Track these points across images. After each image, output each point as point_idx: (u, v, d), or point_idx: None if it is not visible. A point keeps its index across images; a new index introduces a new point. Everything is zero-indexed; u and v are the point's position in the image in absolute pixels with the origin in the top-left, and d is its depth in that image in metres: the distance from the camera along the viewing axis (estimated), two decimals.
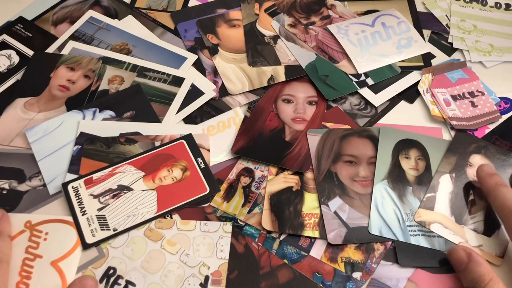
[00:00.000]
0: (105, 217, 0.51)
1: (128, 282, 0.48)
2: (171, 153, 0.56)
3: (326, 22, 0.71)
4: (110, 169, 0.55)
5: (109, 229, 0.51)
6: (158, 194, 0.53)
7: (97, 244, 0.50)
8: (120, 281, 0.48)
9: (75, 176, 0.54)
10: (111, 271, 0.49)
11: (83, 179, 0.54)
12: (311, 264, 0.50)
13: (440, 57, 0.69)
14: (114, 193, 0.53)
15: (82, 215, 0.51)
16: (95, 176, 0.54)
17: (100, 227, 0.51)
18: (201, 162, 0.56)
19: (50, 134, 0.58)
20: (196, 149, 0.57)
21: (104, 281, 0.48)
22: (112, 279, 0.48)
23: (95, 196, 0.53)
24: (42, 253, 0.49)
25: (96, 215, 0.51)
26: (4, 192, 0.54)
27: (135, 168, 0.55)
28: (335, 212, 0.53)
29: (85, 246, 0.50)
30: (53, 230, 0.50)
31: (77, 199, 0.52)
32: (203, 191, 0.54)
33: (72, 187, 0.53)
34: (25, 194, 0.54)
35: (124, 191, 0.53)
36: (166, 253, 0.50)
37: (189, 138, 0.58)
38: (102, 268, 0.49)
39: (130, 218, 0.51)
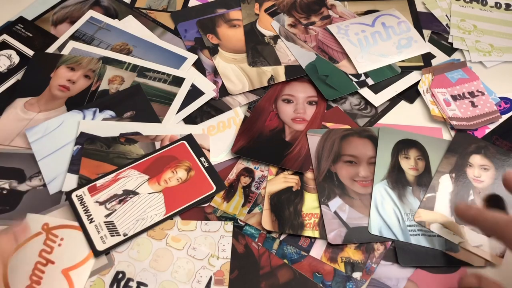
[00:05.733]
0: (113, 223, 0.51)
1: (139, 284, 0.48)
2: (173, 154, 0.56)
3: (326, 22, 0.71)
4: (113, 174, 0.54)
5: (119, 235, 0.50)
6: (165, 196, 0.53)
7: (108, 250, 0.49)
8: (131, 283, 0.48)
9: (75, 176, 0.54)
10: (120, 275, 0.48)
11: (87, 186, 0.53)
12: (311, 264, 0.50)
13: (440, 57, 0.69)
14: (120, 198, 0.53)
15: (90, 222, 0.51)
16: (98, 183, 0.54)
17: (110, 233, 0.50)
18: (204, 161, 0.56)
19: (50, 134, 0.58)
20: (198, 149, 0.57)
21: (115, 286, 0.48)
22: (122, 283, 0.48)
23: (101, 203, 0.52)
24: (55, 259, 0.48)
25: (104, 222, 0.51)
26: (4, 192, 0.54)
27: (138, 172, 0.55)
28: (335, 212, 0.53)
29: (96, 253, 0.49)
30: (68, 236, 0.50)
31: (82, 207, 0.52)
32: (210, 189, 0.54)
33: (76, 196, 0.53)
34: (25, 194, 0.54)
35: (130, 196, 0.53)
36: (173, 250, 0.50)
37: (189, 138, 0.58)
38: (110, 274, 0.49)
39: (139, 222, 0.51)
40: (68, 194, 0.53)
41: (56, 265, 0.48)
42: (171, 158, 0.56)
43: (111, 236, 0.50)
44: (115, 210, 0.52)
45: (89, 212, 0.51)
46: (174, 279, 0.48)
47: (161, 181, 0.54)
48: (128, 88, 0.63)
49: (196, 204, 0.53)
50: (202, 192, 0.54)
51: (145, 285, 0.48)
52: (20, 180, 0.55)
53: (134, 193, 0.53)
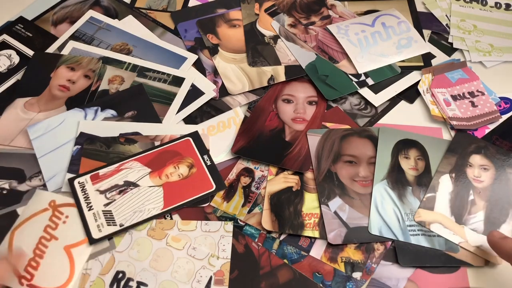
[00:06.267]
0: (111, 213, 0.51)
1: (139, 283, 0.48)
2: (177, 150, 0.57)
3: (326, 22, 0.71)
4: (117, 165, 0.55)
5: (116, 225, 0.51)
6: (165, 190, 0.53)
7: (103, 239, 0.50)
8: (131, 283, 0.48)
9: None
10: (120, 275, 0.49)
11: (90, 174, 0.54)
12: (311, 264, 0.50)
13: (440, 57, 0.69)
14: (121, 189, 0.53)
15: (89, 210, 0.51)
16: (101, 172, 0.54)
17: (107, 222, 0.51)
18: (207, 160, 0.56)
19: (52, 132, 0.58)
20: (202, 147, 0.57)
21: (115, 286, 0.48)
22: (122, 282, 0.48)
23: (101, 192, 0.53)
24: (59, 235, 0.50)
25: (103, 211, 0.52)
26: (4, 192, 0.54)
27: (141, 165, 0.55)
28: (335, 212, 0.53)
29: (92, 241, 0.50)
30: (73, 215, 0.51)
31: (83, 194, 0.52)
32: (209, 188, 0.54)
33: (79, 182, 0.53)
34: (25, 194, 0.54)
35: (131, 187, 0.53)
36: (173, 250, 0.50)
37: (195, 135, 0.58)
38: (110, 273, 0.49)
39: (136, 214, 0.52)
40: (71, 180, 0.53)
41: (59, 241, 0.50)
42: (175, 154, 0.56)
43: (108, 225, 0.51)
44: (115, 200, 0.52)
45: (89, 199, 0.52)
46: (174, 279, 0.48)
47: (163, 176, 0.54)
48: (131, 88, 0.63)
49: (194, 202, 0.53)
50: (201, 190, 0.54)
51: (145, 285, 0.48)
52: (20, 180, 0.55)
53: (134, 185, 0.53)
